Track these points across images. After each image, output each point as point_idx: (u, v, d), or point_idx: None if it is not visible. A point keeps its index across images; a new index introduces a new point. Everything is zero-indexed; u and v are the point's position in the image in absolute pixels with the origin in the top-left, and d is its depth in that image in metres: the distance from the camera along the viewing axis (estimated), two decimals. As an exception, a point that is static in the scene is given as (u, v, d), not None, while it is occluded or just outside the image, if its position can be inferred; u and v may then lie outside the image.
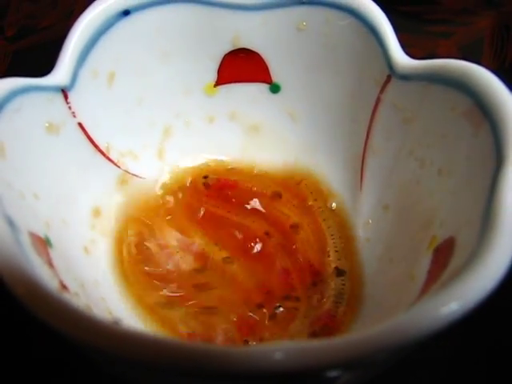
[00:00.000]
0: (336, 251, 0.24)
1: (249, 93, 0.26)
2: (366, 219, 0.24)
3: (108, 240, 0.24)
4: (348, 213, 0.25)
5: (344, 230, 0.25)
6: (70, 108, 0.22)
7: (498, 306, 0.18)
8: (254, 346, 0.13)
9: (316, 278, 0.24)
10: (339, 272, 0.24)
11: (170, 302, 0.23)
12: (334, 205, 0.25)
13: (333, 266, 0.24)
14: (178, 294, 0.23)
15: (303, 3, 0.23)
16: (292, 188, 0.26)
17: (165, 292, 0.23)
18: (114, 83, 0.24)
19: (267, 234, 0.25)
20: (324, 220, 0.25)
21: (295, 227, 0.25)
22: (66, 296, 0.17)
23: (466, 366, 0.22)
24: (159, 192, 0.26)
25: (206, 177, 0.26)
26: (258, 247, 0.25)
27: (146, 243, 0.25)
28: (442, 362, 0.22)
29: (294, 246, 0.25)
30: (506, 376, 0.22)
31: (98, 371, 0.20)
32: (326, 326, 0.22)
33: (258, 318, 0.22)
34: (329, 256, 0.24)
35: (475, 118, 0.18)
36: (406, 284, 0.19)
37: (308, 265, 0.24)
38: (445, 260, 0.17)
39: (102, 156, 0.24)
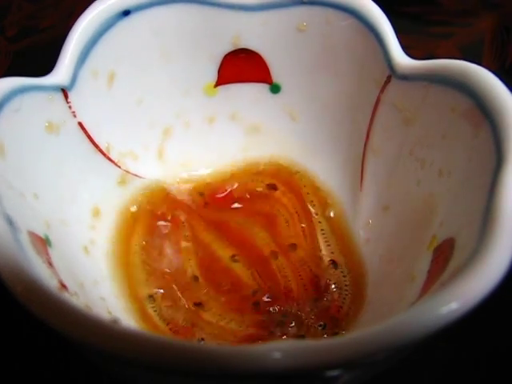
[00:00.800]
0: (328, 245, 0.24)
1: (249, 93, 0.26)
2: (366, 219, 0.24)
3: (109, 240, 0.24)
4: (348, 213, 0.25)
5: (343, 229, 0.25)
6: (70, 108, 0.22)
7: (497, 306, 0.18)
8: (254, 346, 0.13)
9: (316, 278, 0.24)
10: (335, 264, 0.24)
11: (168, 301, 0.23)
12: (333, 204, 0.25)
13: (328, 259, 0.24)
14: (178, 295, 0.23)
15: (304, 3, 0.23)
16: (291, 187, 0.26)
17: (164, 292, 0.23)
18: (114, 83, 0.24)
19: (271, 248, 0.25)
20: (323, 219, 0.25)
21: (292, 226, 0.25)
22: (65, 295, 0.17)
23: (466, 367, 0.22)
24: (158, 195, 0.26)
25: (202, 193, 0.26)
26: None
27: (147, 244, 0.25)
28: (442, 362, 0.22)
29: (291, 252, 0.25)
30: (506, 376, 0.22)
31: (98, 371, 0.20)
32: (333, 318, 0.22)
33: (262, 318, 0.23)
34: (322, 253, 0.24)
35: (475, 118, 0.18)
36: (407, 284, 0.19)
37: (311, 274, 0.24)
38: (445, 260, 0.17)
39: (103, 156, 0.24)
